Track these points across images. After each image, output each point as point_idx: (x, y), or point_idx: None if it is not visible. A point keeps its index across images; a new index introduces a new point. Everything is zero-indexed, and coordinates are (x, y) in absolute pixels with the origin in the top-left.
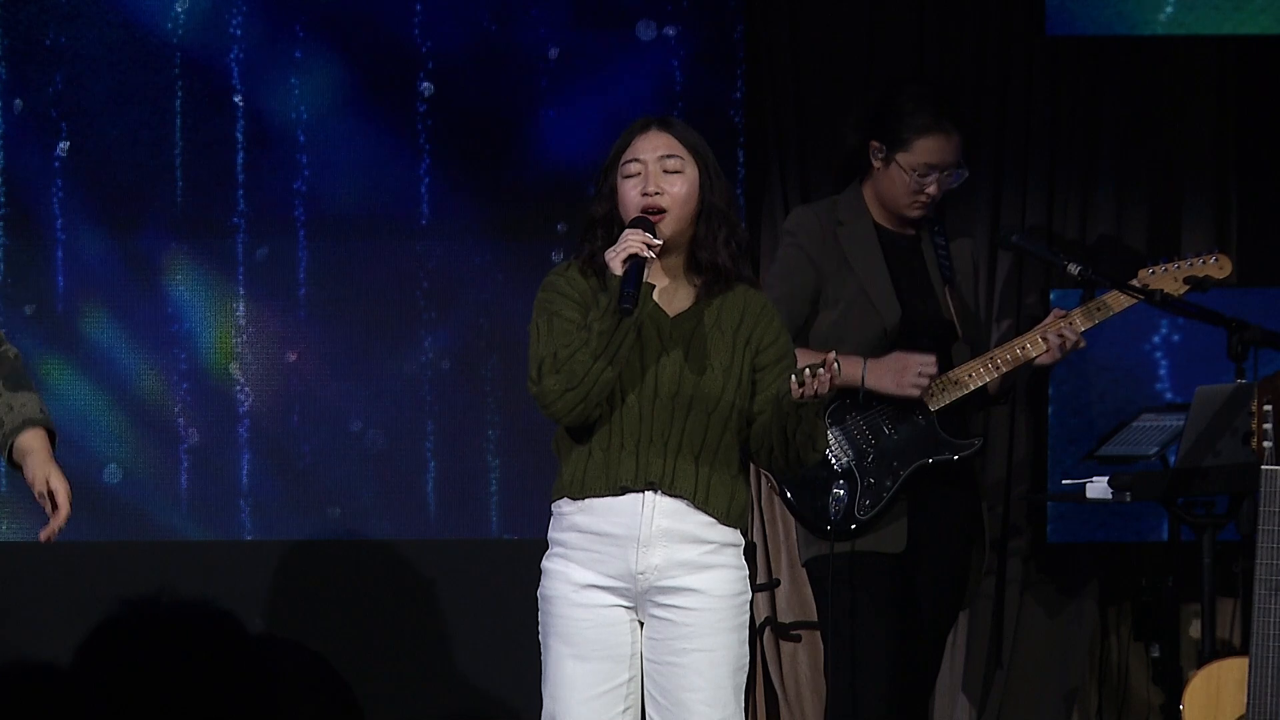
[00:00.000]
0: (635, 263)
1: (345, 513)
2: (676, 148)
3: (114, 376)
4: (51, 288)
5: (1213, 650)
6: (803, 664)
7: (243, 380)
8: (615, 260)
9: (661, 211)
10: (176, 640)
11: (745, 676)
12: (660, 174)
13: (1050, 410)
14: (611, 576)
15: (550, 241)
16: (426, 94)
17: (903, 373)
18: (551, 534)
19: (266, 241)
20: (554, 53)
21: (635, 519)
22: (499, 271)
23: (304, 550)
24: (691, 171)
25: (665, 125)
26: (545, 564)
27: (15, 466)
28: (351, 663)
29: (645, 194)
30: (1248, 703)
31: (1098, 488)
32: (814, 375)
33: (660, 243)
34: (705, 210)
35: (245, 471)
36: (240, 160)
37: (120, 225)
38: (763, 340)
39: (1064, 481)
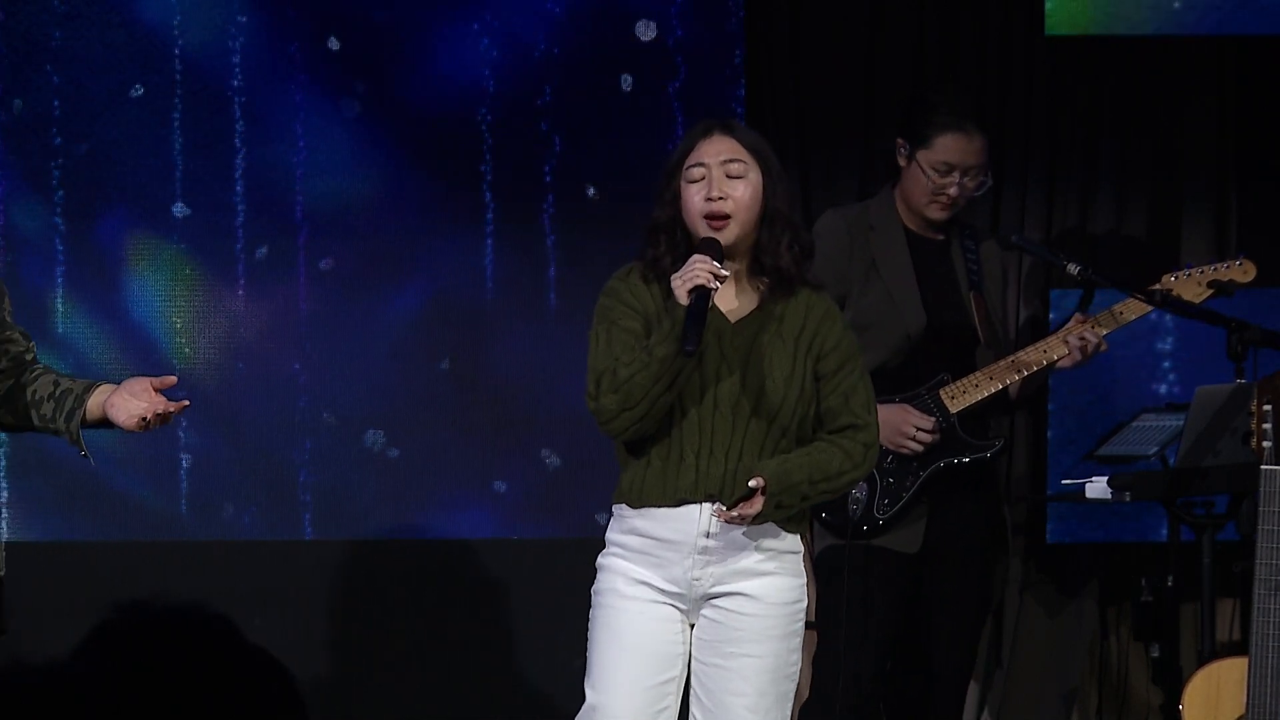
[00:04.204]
0: (700, 294)
1: (345, 512)
2: (740, 152)
3: (113, 376)
4: (51, 288)
5: (1213, 650)
6: (804, 664)
7: (242, 380)
8: (681, 290)
9: (726, 217)
10: (176, 641)
11: (794, 685)
12: (723, 179)
13: (1050, 410)
14: (668, 581)
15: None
16: (427, 94)
17: (899, 427)
18: (610, 535)
19: (266, 241)
20: (555, 53)
21: (693, 526)
22: (500, 271)
23: (304, 550)
24: (755, 176)
25: (728, 129)
26: (601, 561)
27: (95, 426)
28: (352, 663)
29: (709, 199)
30: (1247, 703)
31: (1098, 488)
32: (729, 508)
33: (728, 274)
34: (769, 214)
35: (245, 471)
36: (240, 160)
37: (120, 225)
38: (825, 345)
39: (1064, 481)
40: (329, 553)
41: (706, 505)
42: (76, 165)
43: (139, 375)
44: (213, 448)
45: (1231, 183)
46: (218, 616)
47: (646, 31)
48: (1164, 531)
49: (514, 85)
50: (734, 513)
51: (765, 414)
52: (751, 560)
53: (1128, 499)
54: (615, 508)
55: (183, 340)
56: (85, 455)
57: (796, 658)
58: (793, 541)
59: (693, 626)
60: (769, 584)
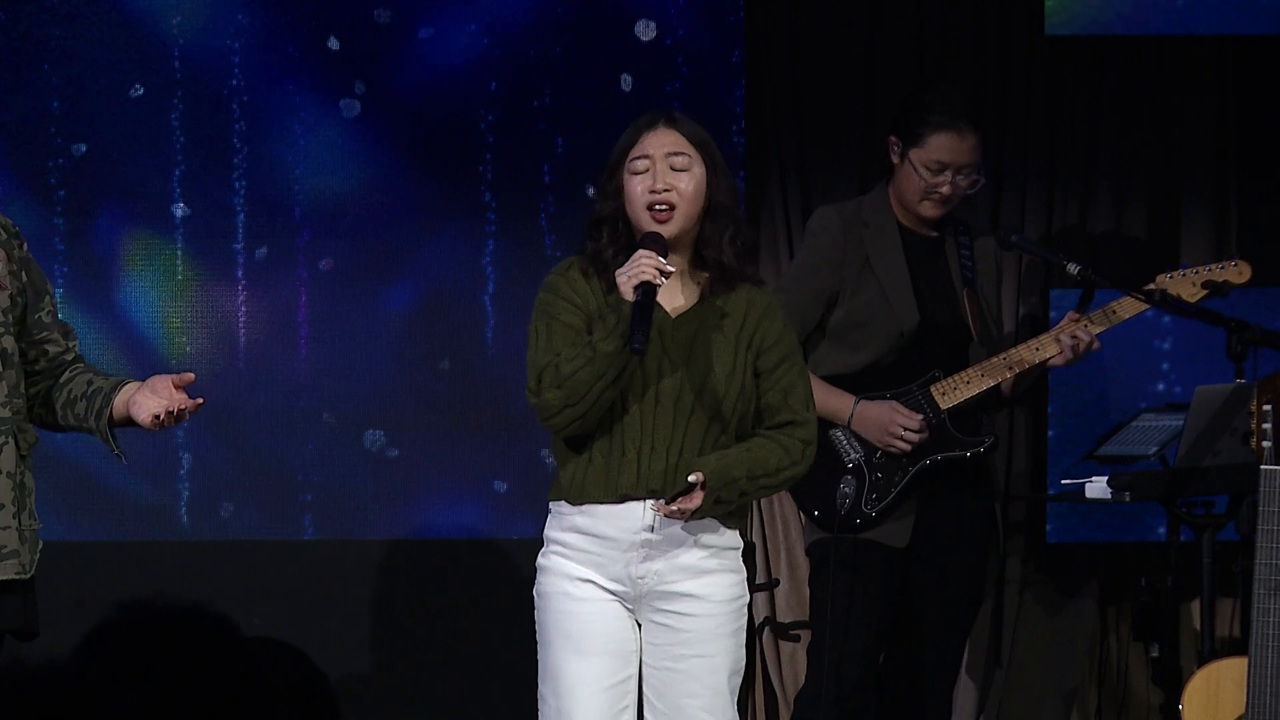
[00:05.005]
0: (647, 291)
1: (345, 512)
2: (684, 145)
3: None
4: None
5: (1213, 650)
6: (802, 664)
7: (242, 380)
8: (627, 286)
9: (670, 208)
10: (176, 641)
11: (741, 679)
12: (668, 171)
13: (1050, 410)
14: (611, 579)
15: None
16: (427, 95)
17: (886, 426)
18: (549, 533)
19: (266, 241)
20: (555, 53)
21: (636, 523)
22: (497, 272)
23: (304, 550)
24: (699, 169)
25: (672, 122)
26: (542, 561)
27: (122, 424)
28: (352, 662)
29: (653, 191)
30: (1247, 703)
31: (1097, 488)
32: (668, 502)
33: (674, 270)
34: (712, 208)
35: (245, 471)
36: (240, 160)
37: (119, 225)
38: (765, 341)
39: (1064, 481)
40: (329, 553)
41: (649, 501)
42: (76, 165)
43: (160, 374)
44: (213, 448)
45: (1231, 183)
46: (218, 616)
47: (646, 31)
48: (1164, 531)
49: (514, 85)
50: (674, 507)
51: (706, 409)
52: (694, 557)
53: (1128, 499)
54: (553, 505)
55: (182, 340)
56: (118, 454)
57: (744, 653)
58: (732, 537)
59: (639, 625)
60: (714, 582)
